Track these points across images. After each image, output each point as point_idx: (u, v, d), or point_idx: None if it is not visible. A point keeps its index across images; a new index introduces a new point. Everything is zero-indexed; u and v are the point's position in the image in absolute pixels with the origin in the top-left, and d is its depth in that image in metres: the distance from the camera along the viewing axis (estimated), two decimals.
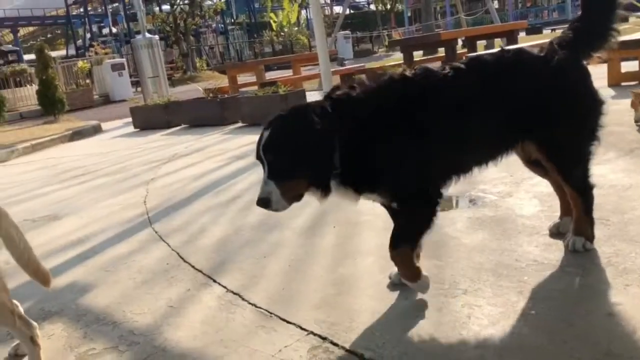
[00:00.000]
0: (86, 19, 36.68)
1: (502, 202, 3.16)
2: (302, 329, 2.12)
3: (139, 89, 21.63)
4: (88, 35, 35.17)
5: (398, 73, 2.19)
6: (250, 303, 2.42)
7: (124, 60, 20.67)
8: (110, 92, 19.31)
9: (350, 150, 2.01)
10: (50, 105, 12.81)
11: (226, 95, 9.56)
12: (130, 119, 10.67)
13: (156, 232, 3.68)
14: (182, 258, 3.10)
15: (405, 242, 2.15)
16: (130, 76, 20.10)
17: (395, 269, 2.31)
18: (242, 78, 12.83)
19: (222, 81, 12.62)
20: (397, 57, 17.48)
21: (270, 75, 12.11)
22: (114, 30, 35.16)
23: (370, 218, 3.24)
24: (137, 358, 2.11)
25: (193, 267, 2.87)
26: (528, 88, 2.22)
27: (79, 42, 35.38)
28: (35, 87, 17.49)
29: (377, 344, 1.94)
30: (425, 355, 1.84)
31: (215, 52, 33.27)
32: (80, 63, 19.86)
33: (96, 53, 20.52)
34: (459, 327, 1.98)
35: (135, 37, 15.01)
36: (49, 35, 49.18)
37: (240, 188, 4.58)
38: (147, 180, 5.41)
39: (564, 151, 2.33)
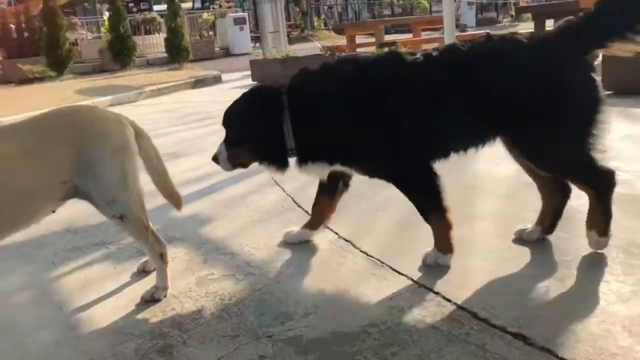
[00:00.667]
0: None
1: (638, 181, 2.92)
2: (413, 281, 2.11)
3: (258, 44, 22.25)
4: None
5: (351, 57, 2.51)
6: (361, 251, 2.44)
7: (245, 14, 21.15)
8: (230, 45, 19.91)
9: (300, 130, 2.23)
10: (176, 52, 13.47)
11: (344, 54, 9.54)
12: (249, 72, 11.00)
13: (272, 177, 3.80)
14: (296, 203, 3.18)
15: (425, 212, 2.25)
16: (251, 31, 20.58)
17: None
18: (360, 39, 12.71)
19: (339, 41, 12.59)
20: (523, 27, 16.51)
21: (388, 38, 11.91)
22: None
23: (489, 184, 3.13)
24: (252, 287, 2.21)
25: (306, 212, 2.93)
26: (502, 81, 2.06)
27: None
28: (163, 35, 18.53)
29: (491, 304, 1.89)
30: (543, 322, 1.77)
31: (333, 12, 33.19)
32: (205, 15, 20.63)
33: (220, 6, 21.17)
34: (582, 299, 1.88)
35: None
36: None
37: None
38: None
39: (546, 156, 2.13)
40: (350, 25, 16.66)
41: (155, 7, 22.15)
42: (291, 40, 21.07)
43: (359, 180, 2.37)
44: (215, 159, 2.41)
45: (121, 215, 2.05)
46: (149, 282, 2.31)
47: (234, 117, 2.38)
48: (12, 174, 1.82)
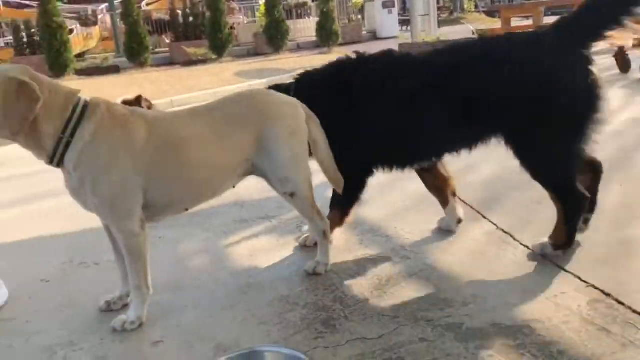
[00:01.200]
0: None
1: None
2: (581, 280, 2.02)
3: (405, 27, 22.04)
4: None
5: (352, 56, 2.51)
6: (522, 244, 2.38)
7: None
8: (378, 28, 19.91)
9: None
10: (326, 36, 13.81)
11: None
12: None
13: None
14: None
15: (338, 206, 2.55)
16: (398, 14, 20.42)
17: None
18: (515, 22, 12.09)
19: (492, 24, 12.07)
20: None
21: (547, 20, 11.19)
22: None
23: None
24: (409, 270, 2.26)
25: (463, 201, 2.91)
26: (494, 80, 2.10)
27: None
28: (313, 19, 19.03)
29: None
30: None
31: None
32: None
33: None
34: None
35: None
36: None
37: None
38: None
39: (535, 151, 2.14)
40: (506, 7, 15.85)
41: None
42: (440, 23, 20.57)
43: (513, 169, 2.29)
44: None
45: (292, 192, 2.19)
46: (309, 257, 2.45)
47: None
48: (206, 150, 2.02)
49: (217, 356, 1.75)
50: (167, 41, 18.34)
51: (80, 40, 17.34)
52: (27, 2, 24.63)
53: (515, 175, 2.59)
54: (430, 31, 12.54)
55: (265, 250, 2.63)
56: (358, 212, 2.97)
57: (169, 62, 14.21)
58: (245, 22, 20.62)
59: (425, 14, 12.69)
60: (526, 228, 2.53)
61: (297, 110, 2.21)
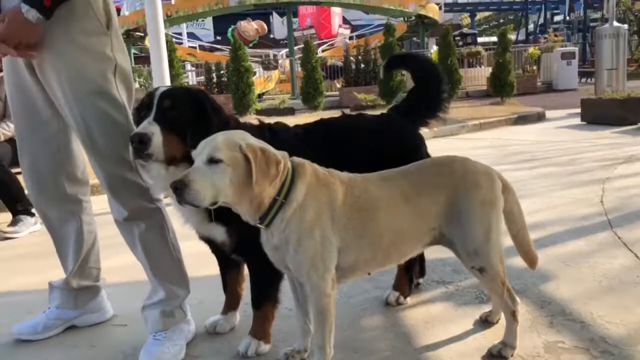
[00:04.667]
0: (543, 5, 36.75)
1: None
2: None
3: (585, 79, 20.71)
4: (540, 22, 35.24)
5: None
6: None
7: (575, 49, 19.91)
8: (554, 80, 18.95)
9: None
10: (500, 87, 13.40)
11: None
12: (575, 110, 10.31)
13: (619, 238, 3.43)
14: None
15: None
16: (578, 66, 19.26)
17: None
18: None
19: None
20: None
21: None
22: (568, 17, 34.15)
23: None
24: None
25: None
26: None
27: (530, 27, 35.82)
28: (484, 68, 18.68)
29: None
30: None
31: None
32: (531, 49, 20.07)
33: (546, 40, 20.36)
34: None
35: (592, 25, 14.14)
36: (501, 20, 51.36)
37: None
38: (601, 179, 5.08)
39: None
40: None
41: (483, 39, 22.42)
42: (629, 77, 19.02)
43: None
44: (147, 139, 1.99)
45: (481, 267, 2.07)
46: (492, 335, 2.29)
47: None
48: (395, 215, 2.00)
49: None
50: (338, 86, 19.17)
51: (261, 81, 18.82)
52: (219, 46, 27.41)
53: None
54: (617, 86, 11.57)
55: (442, 319, 2.51)
56: (542, 287, 2.75)
57: (338, 106, 14.76)
58: None
59: (613, 67, 11.76)
60: None
61: (493, 180, 2.10)
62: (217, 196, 1.81)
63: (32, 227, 4.48)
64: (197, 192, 1.77)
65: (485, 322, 2.43)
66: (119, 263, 3.19)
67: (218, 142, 1.82)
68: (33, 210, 4.51)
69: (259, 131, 2.26)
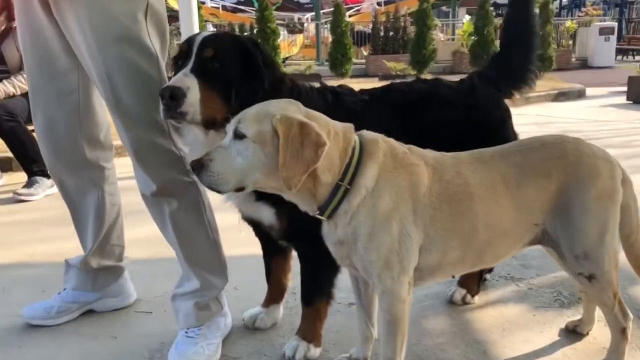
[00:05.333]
0: None
1: None
2: None
3: (621, 57, 19.82)
4: None
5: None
6: None
7: (614, 24, 19.02)
8: (590, 56, 18.14)
9: None
10: (539, 61, 12.77)
11: None
12: (617, 89, 9.78)
13: None
14: None
15: None
16: (617, 43, 18.43)
17: None
18: None
19: None
20: None
21: None
22: None
23: None
24: None
25: None
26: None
27: (564, 1, 34.54)
28: None
29: None
30: None
31: None
32: (568, 23, 19.20)
33: (586, 14, 19.48)
34: None
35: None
36: None
37: None
38: None
39: None
40: None
41: None
42: None
43: None
44: (180, 94, 1.62)
45: (590, 274, 1.68)
46: (584, 350, 1.93)
47: None
48: (493, 207, 1.61)
49: None
50: (365, 53, 18.57)
51: (285, 46, 18.22)
52: (242, 7, 26.78)
53: None
54: None
55: (519, 325, 2.14)
56: (632, 292, 2.36)
57: (365, 74, 14.23)
58: (442, 39, 20.13)
59: None
60: None
61: (614, 167, 1.69)
62: (242, 180, 1.46)
63: (49, 190, 4.13)
64: (217, 175, 1.44)
65: (572, 333, 2.06)
66: (143, 235, 2.82)
67: (246, 113, 1.47)
68: None
69: (320, 95, 1.87)
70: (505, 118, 2.11)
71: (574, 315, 2.18)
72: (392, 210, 1.53)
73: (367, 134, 1.60)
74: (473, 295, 2.31)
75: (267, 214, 1.82)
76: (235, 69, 1.69)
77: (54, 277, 2.43)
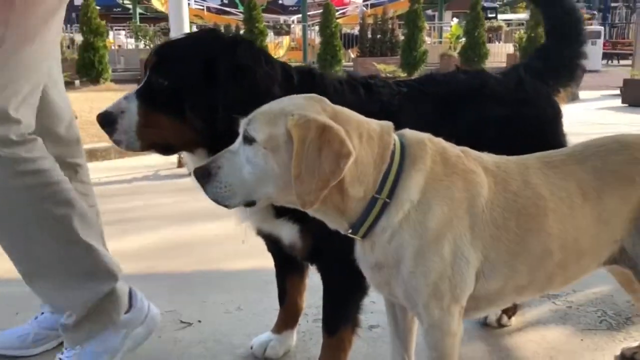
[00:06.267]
0: None
1: None
2: None
3: (606, 61, 19.87)
4: None
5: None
6: None
7: (601, 28, 19.10)
8: None
9: None
10: None
11: None
12: (610, 92, 9.80)
13: None
14: None
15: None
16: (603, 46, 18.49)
17: None
18: None
19: None
20: None
21: None
22: None
23: None
24: None
25: None
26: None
27: None
28: (501, 44, 17.86)
29: None
30: None
31: None
32: None
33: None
34: None
35: (613, 5, 13.39)
36: None
37: None
38: None
39: None
40: None
41: (503, 16, 21.63)
42: None
43: None
44: (111, 120, 1.45)
45: None
46: None
47: None
48: (568, 222, 1.34)
49: None
50: (352, 55, 18.39)
51: (271, 48, 17.99)
52: (228, 9, 26.50)
53: None
54: None
55: (566, 353, 1.88)
56: None
57: None
58: (429, 42, 20.06)
59: None
60: None
61: None
62: (250, 194, 1.20)
63: None
64: (225, 186, 1.19)
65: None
66: (132, 247, 2.54)
67: (257, 113, 1.21)
68: None
69: (351, 87, 1.59)
70: (557, 116, 1.85)
71: (625, 339, 1.93)
72: (443, 228, 1.25)
73: (411, 134, 1.33)
74: (510, 317, 2.05)
75: (289, 233, 1.55)
76: (190, 82, 1.41)
77: (29, 297, 2.11)
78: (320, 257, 1.59)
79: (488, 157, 1.37)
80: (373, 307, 2.00)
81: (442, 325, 1.30)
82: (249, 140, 1.19)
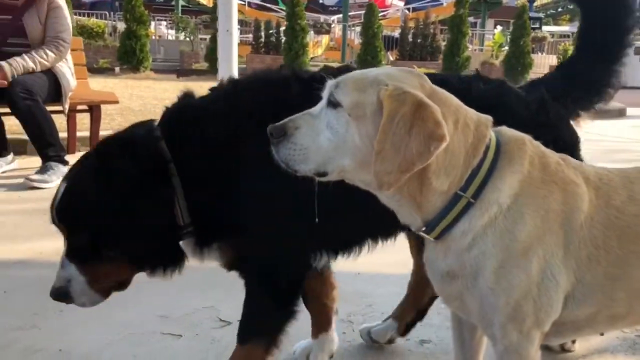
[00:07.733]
0: None
1: None
2: None
3: None
4: None
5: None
6: None
7: None
8: (625, 76, 17.61)
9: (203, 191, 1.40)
10: None
11: None
12: None
13: None
14: None
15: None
16: None
17: None
18: None
19: None
20: None
21: None
22: None
23: None
24: None
25: None
26: None
27: None
28: (545, 55, 17.47)
29: None
30: None
31: None
32: None
33: None
34: None
35: None
36: (559, 9, 49.09)
37: None
38: None
39: None
40: None
41: (546, 28, 21.17)
42: None
43: None
44: (61, 294, 1.40)
45: None
46: None
47: (88, 204, 1.38)
48: None
49: None
50: (392, 58, 18.22)
51: (310, 46, 17.94)
52: (269, 5, 26.55)
53: None
54: None
55: None
56: None
57: None
58: (470, 48, 19.76)
59: None
60: None
61: None
62: (326, 163, 1.09)
63: None
64: (300, 149, 1.09)
65: None
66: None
67: (346, 77, 1.11)
68: (67, 157, 3.79)
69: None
70: (576, 141, 1.64)
71: None
72: (534, 242, 1.11)
73: (509, 131, 1.19)
74: (574, 342, 1.88)
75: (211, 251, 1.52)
76: (95, 225, 1.36)
77: None
78: (242, 268, 1.51)
79: (589, 167, 1.22)
80: (424, 319, 1.86)
81: (520, 350, 1.15)
82: (333, 104, 1.10)
